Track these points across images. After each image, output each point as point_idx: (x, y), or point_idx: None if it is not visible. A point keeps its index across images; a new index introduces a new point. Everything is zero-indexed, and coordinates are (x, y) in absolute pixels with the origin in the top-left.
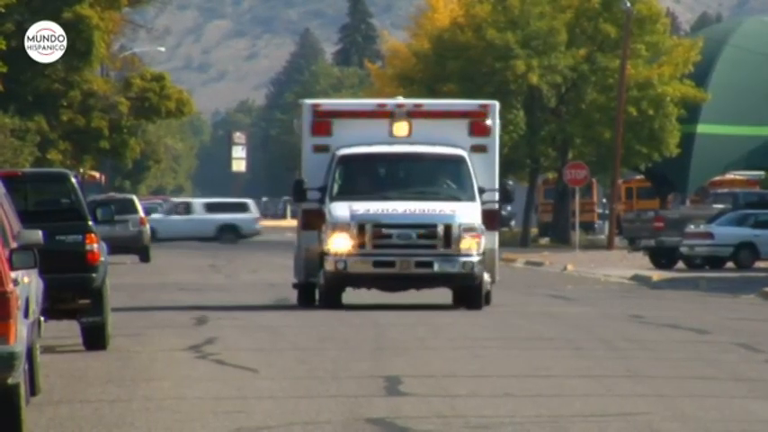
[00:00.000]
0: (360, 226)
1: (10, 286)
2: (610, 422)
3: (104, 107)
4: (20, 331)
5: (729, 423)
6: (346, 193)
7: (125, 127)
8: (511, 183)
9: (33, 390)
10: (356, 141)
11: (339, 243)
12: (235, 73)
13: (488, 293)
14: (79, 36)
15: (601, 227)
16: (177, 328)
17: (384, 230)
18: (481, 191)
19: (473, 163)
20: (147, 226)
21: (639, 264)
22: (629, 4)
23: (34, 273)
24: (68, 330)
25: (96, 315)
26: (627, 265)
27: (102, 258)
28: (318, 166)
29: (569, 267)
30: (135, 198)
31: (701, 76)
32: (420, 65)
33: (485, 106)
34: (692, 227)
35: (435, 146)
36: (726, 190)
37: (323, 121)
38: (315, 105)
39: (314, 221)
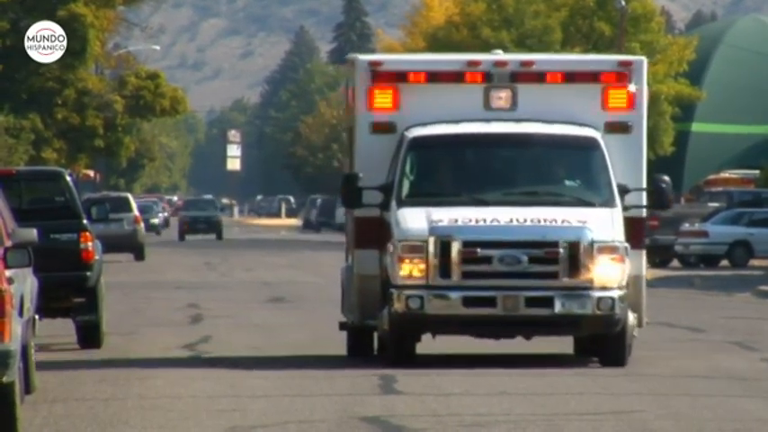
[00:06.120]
0: (443, 244)
1: (5, 285)
2: (604, 420)
3: (99, 105)
4: (15, 330)
5: (723, 422)
6: (422, 195)
7: (120, 125)
8: (667, 179)
9: (28, 388)
10: (436, 117)
11: (412, 270)
12: (229, 71)
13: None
14: (74, 34)
15: None
16: (172, 327)
17: (479, 251)
18: (623, 191)
19: (609, 149)
20: (142, 224)
21: None
22: (623, 3)
23: (29, 271)
24: (63, 329)
25: (91, 313)
26: None
27: (97, 257)
28: (379, 153)
29: None
30: (129, 196)
31: (695, 74)
32: None
33: (626, 64)
34: (687, 225)
35: (553, 124)
36: (720, 189)
37: (386, 86)
38: (374, 63)
39: (373, 236)
